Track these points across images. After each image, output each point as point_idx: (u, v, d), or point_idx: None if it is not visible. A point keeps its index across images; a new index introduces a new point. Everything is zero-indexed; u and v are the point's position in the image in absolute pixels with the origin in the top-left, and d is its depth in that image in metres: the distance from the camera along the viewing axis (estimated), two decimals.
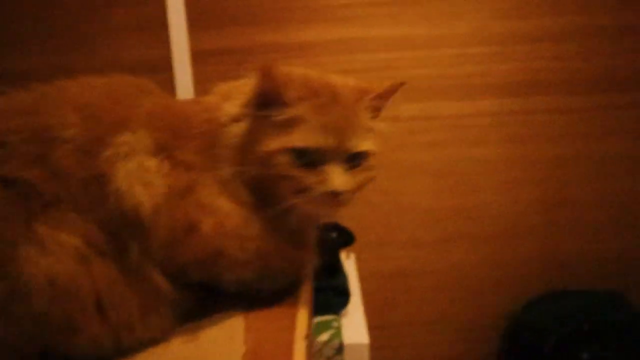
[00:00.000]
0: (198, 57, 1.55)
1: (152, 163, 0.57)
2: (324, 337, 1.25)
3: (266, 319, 0.62)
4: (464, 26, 1.56)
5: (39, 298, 0.50)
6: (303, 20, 1.53)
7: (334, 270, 1.35)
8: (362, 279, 1.51)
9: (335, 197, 0.57)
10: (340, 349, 1.24)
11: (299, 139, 0.57)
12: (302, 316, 0.62)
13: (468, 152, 1.64)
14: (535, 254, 1.74)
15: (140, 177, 0.56)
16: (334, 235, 1.41)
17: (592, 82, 1.60)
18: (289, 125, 0.58)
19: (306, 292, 0.68)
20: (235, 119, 0.61)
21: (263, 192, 0.60)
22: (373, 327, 1.30)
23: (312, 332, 0.64)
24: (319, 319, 1.29)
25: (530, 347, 1.63)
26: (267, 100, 0.58)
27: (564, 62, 1.59)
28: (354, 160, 0.60)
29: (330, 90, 0.60)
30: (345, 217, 1.55)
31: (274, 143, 0.57)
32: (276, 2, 1.53)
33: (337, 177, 0.57)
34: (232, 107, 0.62)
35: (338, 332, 1.26)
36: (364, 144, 0.60)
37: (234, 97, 0.63)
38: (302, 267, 0.68)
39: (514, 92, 1.61)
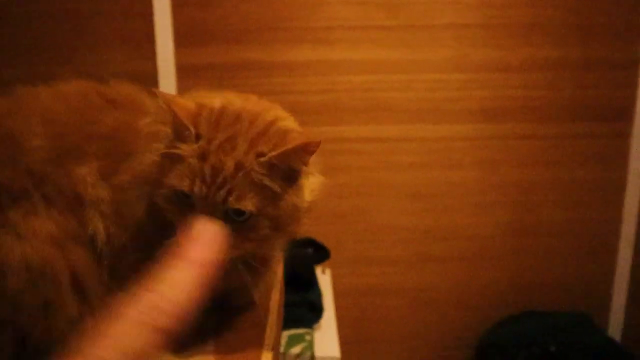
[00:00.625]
0: (183, 71, 1.58)
1: (105, 193, 0.60)
2: (297, 349, 1.27)
3: (235, 331, 0.64)
4: (444, 53, 1.61)
5: (14, 282, 0.53)
6: (288, 40, 1.57)
7: (309, 285, 1.38)
8: (337, 294, 1.54)
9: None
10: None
11: (171, 177, 0.54)
12: (270, 328, 0.65)
13: (444, 175, 1.69)
14: (505, 276, 1.79)
15: (100, 209, 0.59)
16: (310, 250, 1.44)
17: (562, 111, 1.67)
18: (177, 161, 0.55)
19: (275, 303, 0.71)
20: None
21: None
22: (345, 343, 1.33)
23: (281, 345, 0.67)
24: (292, 332, 1.32)
25: None
26: (176, 132, 0.56)
27: (537, 90, 1.65)
28: (236, 216, 0.54)
29: (231, 135, 0.55)
30: (322, 234, 1.59)
31: (164, 176, 0.56)
32: (262, 22, 1.57)
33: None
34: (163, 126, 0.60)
35: (310, 345, 1.29)
36: (244, 203, 0.54)
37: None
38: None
39: (489, 118, 1.66)
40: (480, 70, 1.63)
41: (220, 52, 1.57)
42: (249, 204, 0.54)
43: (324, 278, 1.60)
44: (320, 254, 1.45)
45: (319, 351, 1.29)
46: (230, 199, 0.53)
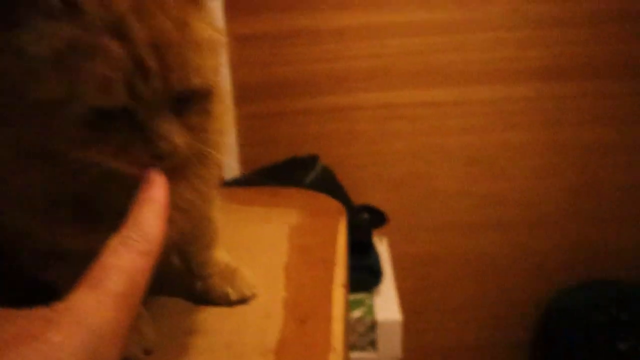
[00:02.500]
0: (233, 41, 1.58)
1: None
2: (357, 314, 1.26)
3: (304, 269, 0.64)
4: (498, 10, 1.55)
5: None
6: (337, 6, 1.55)
7: (367, 249, 1.37)
8: (394, 262, 1.52)
9: (163, 159, 0.37)
10: (372, 326, 1.26)
11: (90, 86, 0.33)
12: (340, 267, 0.64)
13: (501, 138, 1.64)
14: (567, 242, 1.72)
15: None
16: (366, 215, 1.43)
17: (631, 67, 1.58)
18: (70, 55, 0.32)
19: (341, 247, 0.70)
20: None
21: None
22: (404, 310, 1.31)
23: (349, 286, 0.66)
24: (351, 296, 1.31)
25: (562, 336, 1.61)
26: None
27: (600, 46, 1.57)
28: (188, 100, 0.38)
29: None
30: (376, 201, 1.57)
31: (49, 89, 0.33)
32: None
33: (164, 135, 0.36)
34: None
35: (370, 310, 1.28)
36: (203, 73, 0.37)
37: None
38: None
39: (548, 76, 1.59)
40: (538, 27, 1.56)
41: (270, 21, 1.56)
42: (207, 71, 0.38)
43: (381, 246, 1.58)
44: (377, 218, 1.44)
45: (379, 315, 1.27)
46: (191, 77, 0.36)
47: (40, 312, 0.26)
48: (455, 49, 1.57)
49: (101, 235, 0.35)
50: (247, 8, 1.56)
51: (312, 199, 0.90)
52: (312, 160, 1.41)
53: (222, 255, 0.61)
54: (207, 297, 0.57)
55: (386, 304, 1.31)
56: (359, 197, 1.57)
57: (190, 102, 0.38)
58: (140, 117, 0.35)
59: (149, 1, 0.34)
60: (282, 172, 1.38)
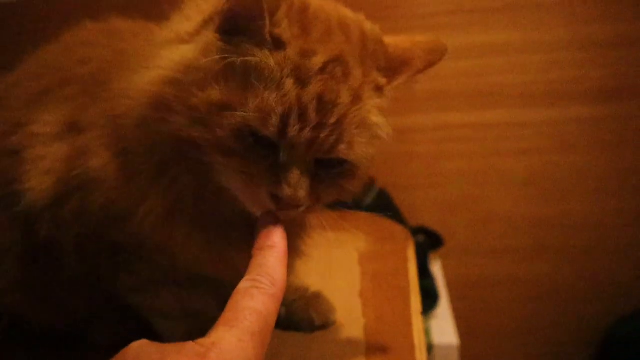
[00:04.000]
0: None
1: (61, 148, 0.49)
2: None
3: (380, 296, 0.65)
4: (556, 32, 1.54)
5: None
6: (392, 29, 1.54)
7: (423, 272, 1.36)
8: (448, 284, 1.51)
9: (280, 203, 0.40)
10: (429, 349, 1.25)
11: (255, 113, 0.37)
12: (415, 295, 0.65)
13: (558, 160, 1.61)
14: (628, 267, 1.66)
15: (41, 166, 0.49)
16: (422, 237, 1.43)
17: None
18: (257, 78, 0.37)
19: (413, 274, 0.71)
20: (178, 40, 0.43)
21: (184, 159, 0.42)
22: (459, 334, 1.30)
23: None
24: None
25: None
26: (238, 22, 0.38)
27: None
28: (331, 167, 0.41)
29: (338, 51, 0.40)
30: (431, 223, 1.57)
31: (226, 97, 0.38)
32: (366, 12, 1.57)
33: (292, 184, 0.39)
34: (180, 23, 0.44)
35: (427, 333, 1.27)
36: (355, 150, 0.41)
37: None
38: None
39: (607, 97, 1.56)
40: (596, 48, 1.54)
41: None
42: (359, 151, 0.41)
43: (435, 268, 1.57)
44: (433, 240, 1.43)
45: (436, 339, 1.27)
46: (342, 146, 0.39)
47: (190, 347, 0.28)
48: (512, 70, 1.56)
49: (229, 262, 0.45)
50: None
51: (377, 224, 0.91)
52: (369, 182, 1.43)
53: (299, 280, 0.63)
54: (290, 322, 0.59)
55: (443, 328, 1.30)
56: (414, 219, 1.57)
57: (334, 170, 0.41)
58: (282, 158, 0.39)
59: (339, 67, 0.39)
60: None
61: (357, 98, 0.39)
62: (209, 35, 0.40)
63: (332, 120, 0.38)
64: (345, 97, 0.39)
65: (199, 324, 0.52)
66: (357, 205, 1.29)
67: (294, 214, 0.41)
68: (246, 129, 0.38)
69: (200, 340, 0.29)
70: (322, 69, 0.38)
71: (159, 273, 0.50)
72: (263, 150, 0.39)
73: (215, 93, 0.38)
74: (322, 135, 0.38)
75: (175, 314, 0.52)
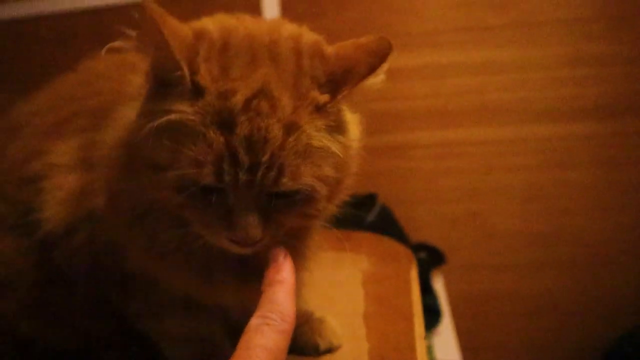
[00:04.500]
0: None
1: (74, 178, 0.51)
2: None
3: (384, 320, 0.65)
4: (556, 50, 1.55)
5: None
6: (394, 46, 1.58)
7: (425, 289, 1.37)
8: (450, 300, 1.51)
9: (239, 243, 0.41)
10: None
11: (177, 163, 0.38)
12: (418, 317, 0.66)
13: (559, 176, 1.62)
14: (629, 284, 1.66)
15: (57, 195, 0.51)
16: (424, 254, 1.43)
17: None
18: (183, 132, 0.38)
19: (416, 297, 0.72)
20: (135, 96, 0.43)
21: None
22: (461, 349, 1.30)
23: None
24: None
25: None
26: (164, 75, 0.38)
27: None
28: (284, 197, 0.40)
29: (261, 81, 0.39)
30: (433, 239, 1.57)
31: (159, 158, 0.39)
32: (367, 29, 1.58)
33: (242, 226, 0.39)
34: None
35: (430, 350, 1.27)
36: (303, 179, 0.39)
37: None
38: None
39: (607, 114, 1.57)
40: (596, 66, 1.55)
41: None
42: (307, 178, 0.39)
43: (437, 284, 1.58)
44: (435, 257, 1.44)
45: (439, 355, 1.27)
46: (284, 179, 0.38)
47: None
48: (512, 87, 1.58)
49: (222, 292, 0.46)
50: None
51: (380, 244, 0.92)
52: (371, 199, 1.43)
53: (303, 303, 0.63)
54: (294, 347, 0.59)
55: (445, 344, 1.31)
56: (416, 235, 1.58)
57: (290, 199, 0.40)
58: (229, 200, 0.39)
59: (264, 101, 0.37)
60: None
61: (291, 127, 0.38)
62: (144, 92, 0.41)
63: (266, 157, 0.37)
64: (275, 131, 0.37)
65: (205, 349, 0.53)
66: (359, 222, 1.30)
67: (258, 248, 0.41)
68: (187, 183, 0.38)
69: None
70: (245, 108, 0.37)
71: (164, 299, 0.51)
72: (213, 197, 0.39)
73: (150, 154, 0.39)
74: (259, 175, 0.37)
75: (181, 339, 0.53)
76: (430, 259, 1.44)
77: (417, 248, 1.45)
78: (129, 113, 0.43)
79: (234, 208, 0.39)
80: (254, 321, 0.34)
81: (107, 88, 0.53)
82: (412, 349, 0.59)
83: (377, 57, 0.42)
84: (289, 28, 0.44)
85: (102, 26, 1.68)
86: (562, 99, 1.58)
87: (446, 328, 1.36)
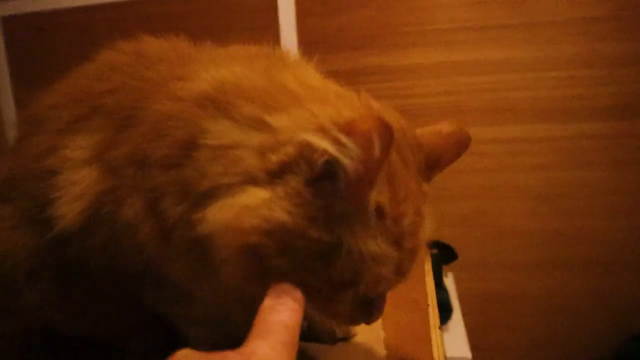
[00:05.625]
0: None
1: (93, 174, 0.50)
2: None
3: (399, 310, 0.66)
4: (571, 49, 1.55)
5: None
6: (408, 44, 1.60)
7: (437, 284, 1.37)
8: (460, 298, 1.52)
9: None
10: None
11: (371, 279, 0.40)
12: (433, 308, 0.67)
13: (572, 176, 1.62)
14: None
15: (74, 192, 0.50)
16: (435, 251, 1.44)
17: None
18: (368, 256, 0.39)
19: (430, 288, 0.73)
20: (250, 178, 0.40)
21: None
22: (471, 347, 1.30)
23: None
24: None
25: None
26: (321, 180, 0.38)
27: None
28: None
29: (413, 194, 0.42)
30: (444, 237, 1.58)
31: (341, 275, 0.40)
32: (382, 27, 1.61)
33: (379, 311, 0.46)
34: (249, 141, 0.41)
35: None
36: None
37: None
38: None
39: (620, 115, 1.57)
40: (610, 66, 1.55)
41: (342, 59, 1.62)
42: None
43: (448, 281, 1.58)
44: (447, 254, 1.44)
45: (449, 351, 1.27)
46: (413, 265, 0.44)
47: (232, 356, 0.31)
48: (526, 86, 1.58)
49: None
50: (321, 47, 1.63)
51: None
52: None
53: None
54: (311, 334, 0.61)
55: (455, 341, 1.31)
56: None
57: None
58: (376, 300, 0.44)
59: (418, 218, 0.42)
60: None
61: (428, 239, 0.44)
62: (299, 199, 0.38)
63: (417, 258, 0.43)
64: (423, 236, 0.43)
65: (224, 330, 0.54)
66: None
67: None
68: (361, 296, 0.42)
69: (240, 350, 0.32)
70: (411, 228, 0.41)
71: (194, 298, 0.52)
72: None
73: (329, 271, 0.39)
74: (407, 273, 0.43)
75: (202, 321, 0.55)
76: (441, 256, 1.44)
77: (429, 245, 1.46)
78: (245, 199, 0.39)
79: (377, 302, 0.44)
80: (267, 302, 0.36)
81: (123, 84, 0.52)
82: (427, 338, 0.60)
83: (461, 147, 0.48)
84: (393, 117, 0.45)
85: (121, 20, 1.70)
86: (575, 98, 1.58)
87: (456, 324, 1.37)
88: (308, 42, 1.63)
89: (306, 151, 0.37)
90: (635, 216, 1.62)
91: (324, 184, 0.37)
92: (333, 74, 1.66)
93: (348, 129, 0.35)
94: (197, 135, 0.42)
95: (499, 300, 1.70)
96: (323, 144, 0.35)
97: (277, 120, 0.40)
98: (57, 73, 0.60)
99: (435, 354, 0.57)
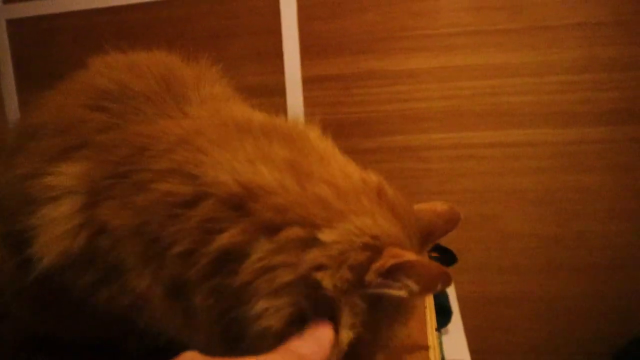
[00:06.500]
0: (309, 83, 1.66)
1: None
2: None
3: None
4: (571, 54, 1.56)
5: None
6: (410, 48, 1.61)
7: None
8: (460, 302, 1.52)
9: None
10: None
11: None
12: (430, 311, 0.67)
13: (573, 180, 1.62)
14: None
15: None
16: (435, 254, 1.44)
17: None
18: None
19: (430, 299, 0.74)
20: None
21: None
22: (471, 351, 1.31)
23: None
24: None
25: None
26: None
27: None
28: None
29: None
30: (444, 240, 1.58)
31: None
32: (384, 31, 1.62)
33: None
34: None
35: (440, 348, 1.28)
36: None
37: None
38: None
39: (620, 119, 1.58)
40: (611, 70, 1.56)
41: (344, 63, 1.64)
42: None
43: None
44: (447, 257, 1.45)
45: (448, 354, 1.28)
46: None
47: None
48: (527, 91, 1.59)
49: None
50: (322, 51, 1.64)
51: None
52: None
53: None
54: None
55: (455, 344, 1.32)
56: None
57: None
58: None
59: None
60: None
61: None
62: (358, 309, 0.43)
63: None
64: None
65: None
66: None
67: None
68: None
69: (249, 357, 0.32)
70: None
71: None
72: None
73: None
74: None
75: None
76: (441, 259, 1.45)
77: (429, 249, 1.46)
78: None
79: None
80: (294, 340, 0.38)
81: (116, 124, 0.52)
82: (424, 340, 0.61)
83: (451, 225, 0.51)
84: (390, 191, 0.49)
85: (125, 23, 1.72)
86: (576, 103, 1.59)
87: (455, 327, 1.37)
88: (310, 46, 1.65)
89: (362, 274, 0.41)
90: (635, 219, 1.63)
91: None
92: (335, 78, 1.69)
93: (415, 273, 0.40)
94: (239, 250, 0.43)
95: (498, 303, 1.70)
96: (393, 289, 0.41)
97: (326, 235, 0.42)
98: (61, 75, 0.60)
99: (432, 357, 0.58)
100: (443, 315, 1.34)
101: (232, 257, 0.43)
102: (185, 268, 0.44)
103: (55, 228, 0.47)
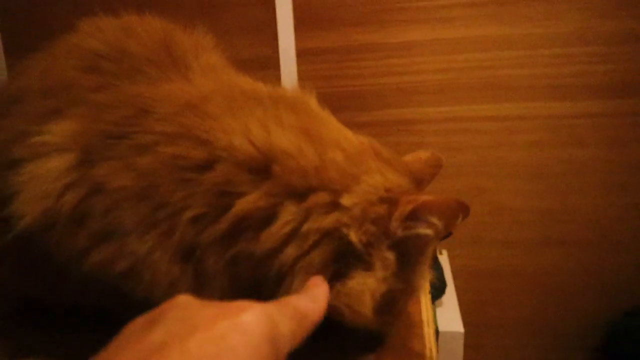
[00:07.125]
0: (303, 55, 1.64)
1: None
2: None
3: None
4: (567, 26, 1.55)
5: None
6: (405, 20, 1.58)
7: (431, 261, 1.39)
8: (454, 275, 1.53)
9: None
10: (435, 334, 1.28)
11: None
12: (426, 305, 0.68)
13: (566, 154, 1.62)
14: (634, 262, 1.68)
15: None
16: None
17: None
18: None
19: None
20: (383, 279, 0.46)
21: None
22: (464, 324, 1.32)
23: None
24: None
25: (632, 358, 1.58)
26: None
27: None
28: None
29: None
30: None
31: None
32: (379, 4, 1.59)
33: None
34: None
35: (434, 320, 1.30)
36: None
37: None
38: None
39: (617, 93, 1.57)
40: (607, 43, 1.55)
41: (338, 36, 1.61)
42: None
43: (441, 258, 1.60)
44: None
45: (442, 326, 1.29)
46: None
47: (235, 303, 0.31)
48: (522, 64, 1.57)
49: None
50: (316, 23, 1.62)
51: None
52: None
53: None
54: None
55: (448, 316, 1.33)
56: None
57: None
58: None
59: None
60: None
61: None
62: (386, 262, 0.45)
63: None
64: None
65: None
66: None
67: None
68: None
69: (242, 301, 0.31)
70: None
71: None
72: None
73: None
74: None
75: None
76: None
77: None
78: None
79: None
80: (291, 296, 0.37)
81: (111, 84, 0.50)
82: (417, 302, 0.61)
83: (436, 169, 0.55)
84: (382, 149, 0.53)
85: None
86: (572, 76, 1.58)
87: (450, 300, 1.39)
88: (304, 18, 1.62)
89: (385, 226, 0.44)
90: (629, 194, 1.63)
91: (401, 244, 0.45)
92: (329, 51, 1.66)
93: (436, 210, 0.44)
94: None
95: (492, 276, 1.72)
96: (420, 229, 0.44)
97: (346, 200, 0.44)
98: (49, 38, 0.58)
99: (425, 316, 0.58)
100: (437, 289, 1.35)
101: (253, 222, 0.43)
102: (199, 232, 0.43)
103: (41, 185, 0.45)
